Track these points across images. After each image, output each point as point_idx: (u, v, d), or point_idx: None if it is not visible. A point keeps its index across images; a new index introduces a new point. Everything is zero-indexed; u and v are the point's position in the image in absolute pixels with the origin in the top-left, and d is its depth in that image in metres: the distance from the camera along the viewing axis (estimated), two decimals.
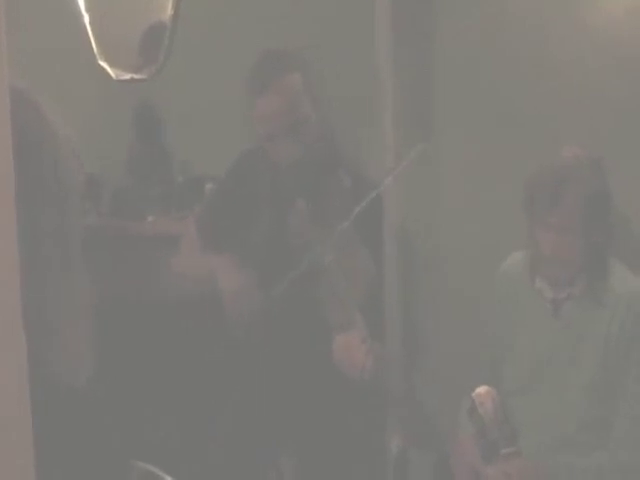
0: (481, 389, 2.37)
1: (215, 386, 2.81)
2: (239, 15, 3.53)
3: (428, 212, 3.37)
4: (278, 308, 2.56)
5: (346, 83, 3.25)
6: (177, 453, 2.72)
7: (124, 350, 2.98)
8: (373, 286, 2.59)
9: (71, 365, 1.21)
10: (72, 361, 1.22)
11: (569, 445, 2.37)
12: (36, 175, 1.15)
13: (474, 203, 3.27)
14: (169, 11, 3.46)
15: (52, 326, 1.19)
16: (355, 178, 2.57)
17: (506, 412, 2.36)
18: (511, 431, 2.36)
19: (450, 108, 3.30)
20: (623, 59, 3.03)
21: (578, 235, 2.31)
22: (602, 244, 2.36)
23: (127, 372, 2.90)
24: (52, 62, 3.07)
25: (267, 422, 2.67)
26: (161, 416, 3.03)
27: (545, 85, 3.13)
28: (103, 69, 3.46)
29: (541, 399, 2.42)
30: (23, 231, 0.99)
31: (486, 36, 3.19)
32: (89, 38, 3.48)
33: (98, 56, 3.47)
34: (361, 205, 2.42)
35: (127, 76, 3.54)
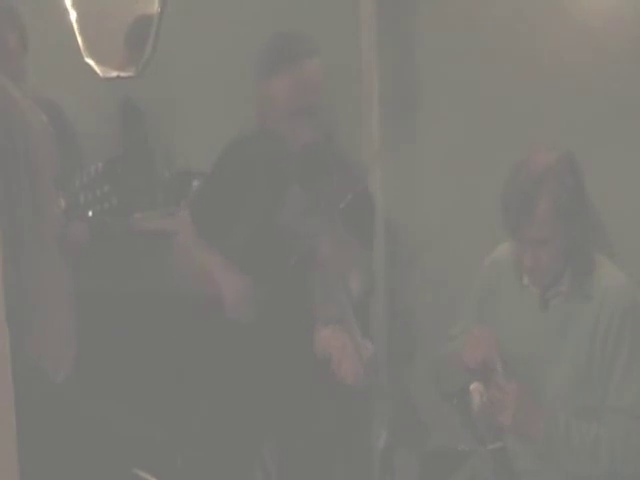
0: None
1: (202, 381, 2.81)
2: (223, 12, 3.53)
3: (414, 208, 3.38)
4: (267, 302, 2.55)
5: (331, 75, 3.26)
6: (162, 447, 2.72)
7: (108, 346, 2.98)
8: (368, 282, 2.57)
9: (54, 361, 1.21)
10: (56, 357, 1.22)
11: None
12: (11, 169, 1.15)
13: (461, 198, 3.28)
14: (155, 8, 3.47)
15: (35, 321, 1.19)
16: (343, 171, 2.56)
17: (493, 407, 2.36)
18: (498, 427, 2.36)
19: (435, 100, 3.31)
20: (616, 58, 3.05)
21: (558, 242, 2.30)
22: (584, 243, 2.35)
23: (109, 367, 2.90)
24: (39, 60, 3.06)
25: (254, 417, 2.67)
26: (145, 412, 3.02)
27: (531, 78, 3.14)
28: (89, 67, 3.45)
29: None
30: (1, 227, 0.99)
31: (472, 30, 3.20)
32: (75, 35, 3.47)
33: (84, 53, 3.47)
34: (348, 197, 2.41)
35: (113, 73, 3.53)
